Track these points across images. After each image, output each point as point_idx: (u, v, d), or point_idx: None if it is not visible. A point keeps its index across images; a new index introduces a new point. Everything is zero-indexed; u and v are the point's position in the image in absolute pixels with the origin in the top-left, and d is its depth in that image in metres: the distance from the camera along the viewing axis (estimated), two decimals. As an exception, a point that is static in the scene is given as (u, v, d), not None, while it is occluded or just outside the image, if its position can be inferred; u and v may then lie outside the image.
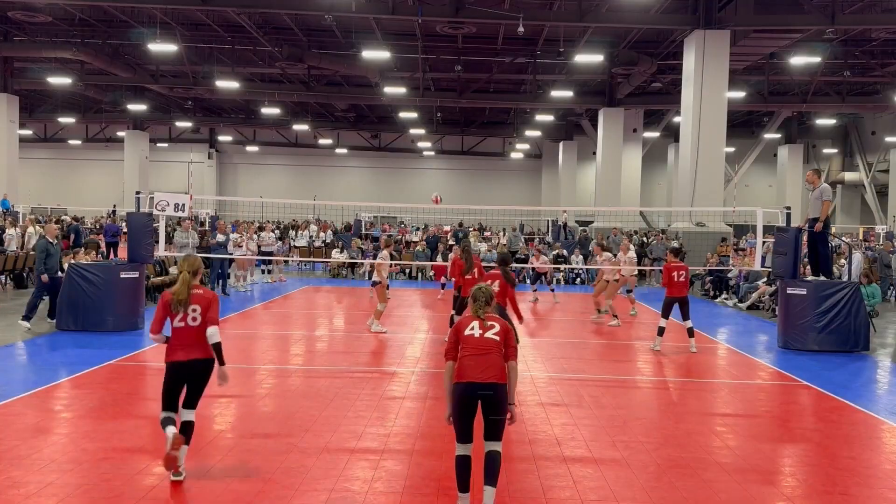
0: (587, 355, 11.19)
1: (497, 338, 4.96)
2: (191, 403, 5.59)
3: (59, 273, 12.51)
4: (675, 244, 13.48)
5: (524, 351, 11.51)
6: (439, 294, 18.19)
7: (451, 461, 6.04)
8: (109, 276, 12.00)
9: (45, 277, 12.11)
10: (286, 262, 23.72)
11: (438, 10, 21.57)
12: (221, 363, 5.47)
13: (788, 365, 10.58)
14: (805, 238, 12.46)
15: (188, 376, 5.53)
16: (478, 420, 4.91)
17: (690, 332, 11.40)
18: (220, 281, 17.64)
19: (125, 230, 14.97)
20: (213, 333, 5.43)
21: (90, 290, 11.84)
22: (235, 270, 19.30)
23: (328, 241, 26.27)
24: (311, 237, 26.95)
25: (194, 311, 5.46)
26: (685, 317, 11.32)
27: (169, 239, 15.54)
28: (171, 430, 5.33)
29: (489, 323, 5.01)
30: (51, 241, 12.45)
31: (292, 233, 28.69)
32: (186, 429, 5.49)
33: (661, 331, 11.47)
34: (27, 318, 11.94)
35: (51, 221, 20.37)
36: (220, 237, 17.99)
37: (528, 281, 19.85)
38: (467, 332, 4.99)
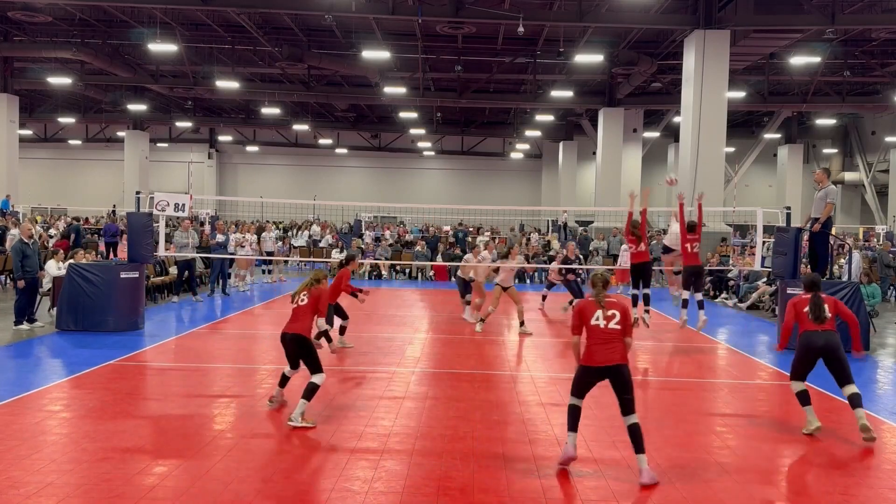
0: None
1: (619, 326, 5.83)
2: (308, 368, 7.21)
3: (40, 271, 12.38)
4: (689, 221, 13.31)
5: (525, 351, 11.51)
6: (564, 306, 15.82)
7: (451, 461, 6.07)
8: (109, 276, 11.99)
9: (21, 283, 11.77)
10: (286, 262, 23.72)
11: (438, 10, 21.55)
12: (329, 340, 8.75)
13: (788, 365, 10.49)
14: (806, 238, 12.46)
15: (287, 341, 7.28)
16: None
17: (700, 305, 11.70)
18: (221, 281, 17.64)
19: (124, 229, 14.87)
20: (321, 324, 7.88)
21: (90, 290, 11.84)
22: (236, 270, 19.30)
23: (331, 241, 26.29)
24: (310, 237, 26.94)
25: (303, 300, 7.32)
26: (697, 288, 11.53)
27: (169, 239, 15.51)
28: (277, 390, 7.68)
29: (610, 312, 5.86)
30: (26, 241, 12.06)
31: (291, 232, 28.68)
32: (307, 390, 7.08)
33: (684, 303, 11.77)
34: (19, 322, 11.93)
35: (32, 221, 19.95)
36: (220, 237, 17.98)
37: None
38: (593, 321, 5.86)
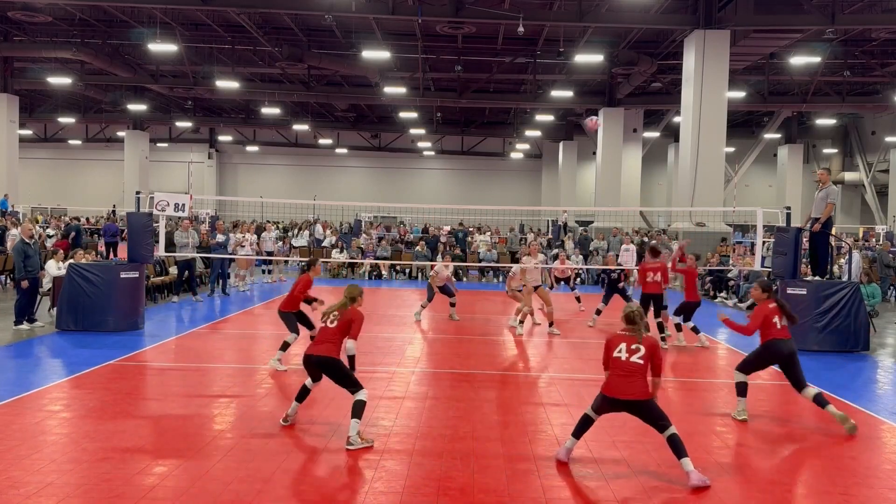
0: (587, 355, 11.17)
1: (641, 361, 5.75)
2: (347, 388, 6.54)
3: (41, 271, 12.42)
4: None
5: (526, 351, 11.51)
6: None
7: (451, 460, 6.07)
8: (109, 276, 11.99)
9: (24, 283, 11.78)
10: (286, 261, 23.72)
11: (438, 10, 21.56)
12: (353, 368, 6.74)
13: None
14: (806, 237, 12.47)
15: (312, 365, 6.63)
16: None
17: (660, 327, 11.86)
18: (221, 281, 17.63)
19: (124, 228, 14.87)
20: (350, 347, 6.69)
21: (90, 290, 11.83)
22: (237, 270, 19.30)
23: (333, 241, 26.33)
24: (311, 236, 26.92)
25: (333, 322, 6.68)
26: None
27: (169, 239, 15.51)
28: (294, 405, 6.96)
29: (634, 346, 5.79)
30: (27, 241, 12.05)
31: (292, 232, 28.65)
32: (355, 407, 6.42)
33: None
34: (19, 322, 11.93)
35: (32, 221, 20.01)
36: (220, 237, 17.98)
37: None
38: (615, 353, 5.83)
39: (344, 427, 6.93)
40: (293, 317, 9.59)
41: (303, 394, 6.97)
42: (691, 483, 5.57)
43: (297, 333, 9.54)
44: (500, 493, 5.41)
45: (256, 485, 5.44)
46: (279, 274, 22.09)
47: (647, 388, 5.77)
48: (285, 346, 9.47)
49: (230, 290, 18.13)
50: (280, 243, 25.02)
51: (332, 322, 6.67)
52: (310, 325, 9.71)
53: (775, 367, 7.70)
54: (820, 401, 7.24)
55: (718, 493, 5.53)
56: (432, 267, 15.28)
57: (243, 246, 18.73)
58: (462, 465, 5.99)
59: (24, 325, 11.92)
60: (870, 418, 7.79)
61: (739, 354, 11.46)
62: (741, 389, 7.61)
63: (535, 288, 12.97)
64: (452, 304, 14.50)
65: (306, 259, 10.67)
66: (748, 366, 7.62)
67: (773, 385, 9.53)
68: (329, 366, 6.54)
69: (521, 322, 12.95)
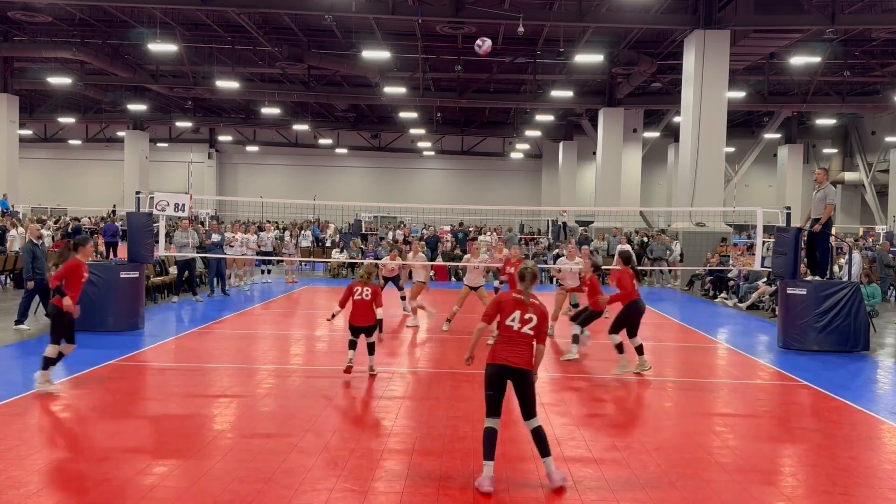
0: (586, 355, 11.17)
1: (531, 332, 5.54)
2: (367, 337, 9.10)
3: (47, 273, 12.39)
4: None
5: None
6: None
7: (451, 461, 6.07)
8: (109, 276, 11.99)
9: (30, 284, 11.77)
10: (290, 262, 23.66)
11: (438, 10, 21.55)
12: (380, 330, 9.33)
13: (788, 365, 10.58)
14: (805, 237, 12.46)
15: (358, 330, 9.00)
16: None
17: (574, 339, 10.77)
18: (219, 280, 17.62)
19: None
20: (378, 312, 9.10)
21: (90, 290, 11.73)
22: (235, 270, 19.29)
23: (335, 239, 26.32)
24: (315, 237, 26.92)
25: (366, 294, 8.95)
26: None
27: (169, 239, 15.51)
28: (350, 353, 8.96)
29: (528, 315, 5.52)
30: (35, 242, 12.06)
31: (293, 231, 28.66)
32: (370, 347, 9.18)
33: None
34: (20, 321, 11.93)
35: (33, 221, 20.05)
36: (216, 237, 17.96)
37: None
38: (508, 321, 5.54)
39: (344, 427, 6.96)
40: (64, 320, 7.75)
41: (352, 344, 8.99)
42: (553, 484, 5.46)
43: (59, 345, 7.78)
44: (500, 493, 5.41)
45: (256, 485, 5.44)
46: (291, 276, 21.98)
47: (531, 359, 5.52)
48: (47, 364, 7.72)
49: (230, 289, 18.13)
50: (288, 236, 24.99)
51: (366, 296, 8.87)
52: (71, 339, 7.91)
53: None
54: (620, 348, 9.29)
55: (719, 494, 5.53)
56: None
57: (232, 245, 18.66)
58: (462, 465, 5.99)
59: (25, 326, 11.93)
60: (870, 418, 7.79)
61: (740, 354, 11.50)
62: (620, 348, 9.24)
63: (475, 289, 13.00)
64: (403, 298, 14.64)
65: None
66: (618, 327, 9.30)
67: (772, 385, 9.53)
68: (370, 329, 9.00)
69: (449, 319, 13.04)
